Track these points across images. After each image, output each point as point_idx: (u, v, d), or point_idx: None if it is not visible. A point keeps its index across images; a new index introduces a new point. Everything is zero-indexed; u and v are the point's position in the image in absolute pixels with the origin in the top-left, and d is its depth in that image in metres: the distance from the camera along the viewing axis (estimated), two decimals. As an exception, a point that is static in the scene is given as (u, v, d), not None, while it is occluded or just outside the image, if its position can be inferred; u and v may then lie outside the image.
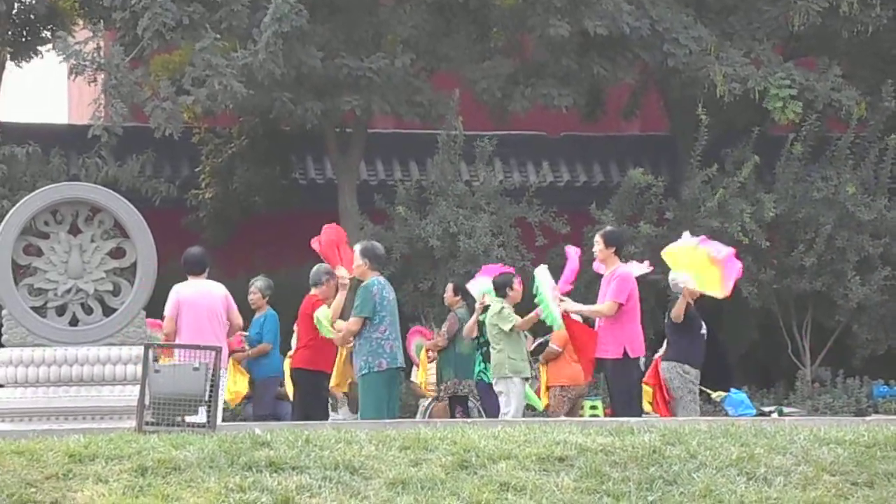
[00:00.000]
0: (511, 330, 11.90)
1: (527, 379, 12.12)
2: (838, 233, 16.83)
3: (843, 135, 17.22)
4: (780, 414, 12.91)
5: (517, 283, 12.29)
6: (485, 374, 12.44)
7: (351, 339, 10.62)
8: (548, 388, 12.72)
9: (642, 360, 11.44)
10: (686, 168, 17.12)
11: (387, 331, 10.48)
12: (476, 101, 16.63)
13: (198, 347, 9.37)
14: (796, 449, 8.49)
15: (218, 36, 14.87)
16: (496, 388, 12.05)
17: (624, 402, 10.71)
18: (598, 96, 18.10)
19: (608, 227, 11.40)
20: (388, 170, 19.22)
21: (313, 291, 11.79)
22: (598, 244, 10.98)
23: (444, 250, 16.04)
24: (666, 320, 11.80)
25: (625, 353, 10.67)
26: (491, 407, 12.28)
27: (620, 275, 10.79)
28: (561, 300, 11.08)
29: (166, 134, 15.20)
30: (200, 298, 11.41)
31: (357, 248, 10.80)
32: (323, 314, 11.14)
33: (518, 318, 12.06)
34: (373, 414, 10.18)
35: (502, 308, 12.06)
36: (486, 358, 12.33)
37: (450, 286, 13.49)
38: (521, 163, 19.57)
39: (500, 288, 12.26)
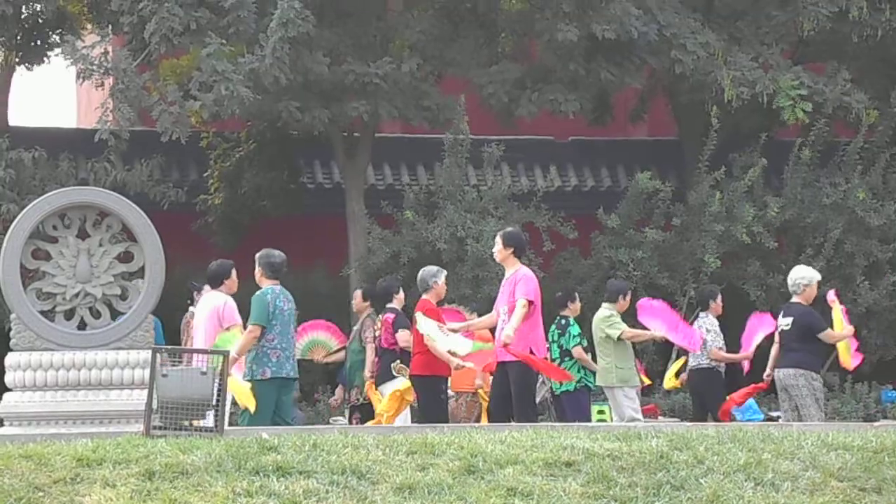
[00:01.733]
0: (618, 339, 11.90)
1: (635, 387, 12.13)
2: (847, 238, 16.81)
3: (851, 140, 17.20)
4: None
5: (629, 295, 12.33)
6: (587, 380, 12.37)
7: (249, 349, 10.55)
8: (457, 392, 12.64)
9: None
10: (694, 173, 17.11)
11: (275, 340, 10.52)
12: (483, 105, 16.64)
13: (206, 352, 9.38)
14: (804, 454, 8.48)
15: (224, 41, 14.89)
16: (609, 396, 12.03)
17: (523, 404, 10.62)
18: (606, 101, 18.10)
19: (508, 228, 11.25)
20: (396, 174, 19.24)
21: (424, 296, 11.71)
22: (498, 244, 10.90)
23: (452, 254, 16.04)
24: (790, 328, 11.76)
25: (531, 353, 10.58)
26: (582, 415, 12.16)
27: (525, 276, 10.69)
28: (451, 330, 10.97)
29: (173, 138, 15.23)
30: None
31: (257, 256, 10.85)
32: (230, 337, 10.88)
33: (625, 326, 12.03)
34: (256, 421, 10.09)
35: (611, 315, 12.03)
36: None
37: (358, 292, 13.42)
38: (528, 167, 19.57)
39: (613, 294, 12.24)
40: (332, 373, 15.63)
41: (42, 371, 10.86)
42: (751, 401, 13.02)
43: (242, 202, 18.10)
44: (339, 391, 14.27)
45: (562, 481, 7.95)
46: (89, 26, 17.13)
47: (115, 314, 11.03)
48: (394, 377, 12.16)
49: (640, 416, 11.99)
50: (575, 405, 12.42)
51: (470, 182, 17.52)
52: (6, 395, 11.02)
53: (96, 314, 11.07)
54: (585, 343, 12.70)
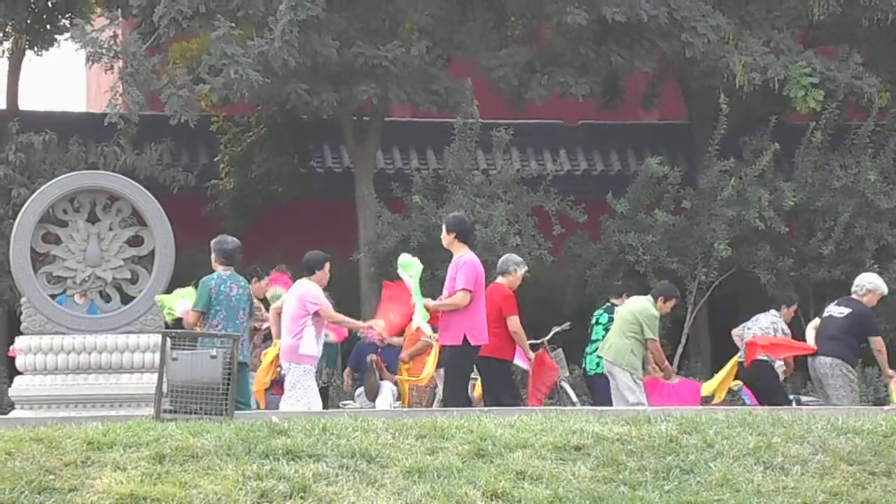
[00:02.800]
0: (647, 341, 11.98)
1: (641, 378, 12.15)
2: (857, 221, 16.76)
3: (863, 123, 17.14)
4: (798, 403, 12.87)
5: (675, 301, 12.43)
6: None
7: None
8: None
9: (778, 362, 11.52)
10: (704, 157, 17.07)
11: (219, 325, 10.55)
12: (493, 89, 16.60)
13: (215, 335, 9.40)
14: (814, 438, 8.48)
15: (233, 25, 14.87)
16: (609, 372, 12.07)
17: (455, 388, 10.60)
18: (616, 85, 18.05)
19: (453, 213, 11.21)
20: (405, 158, 19.21)
21: (499, 280, 11.72)
22: (443, 230, 10.91)
23: (461, 239, 16.02)
24: (843, 318, 11.86)
25: (465, 341, 10.56)
26: (605, 397, 12.20)
27: (466, 262, 10.67)
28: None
29: (182, 121, 15.22)
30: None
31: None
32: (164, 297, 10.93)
33: (656, 338, 12.13)
34: None
35: (656, 317, 12.10)
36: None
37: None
38: (538, 151, 19.54)
39: (663, 293, 12.32)
40: (343, 357, 15.65)
41: (52, 354, 10.89)
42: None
43: (253, 186, 18.10)
44: (346, 374, 14.31)
45: (571, 465, 7.96)
46: (99, 10, 17.12)
47: (125, 298, 11.05)
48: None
49: (643, 397, 11.99)
50: (606, 388, 12.43)
51: (479, 166, 17.48)
52: (17, 379, 11.05)
53: (106, 298, 11.09)
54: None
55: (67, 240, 11.05)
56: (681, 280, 16.51)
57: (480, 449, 8.10)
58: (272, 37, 14.86)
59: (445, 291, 10.85)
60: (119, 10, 16.31)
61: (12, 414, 10.84)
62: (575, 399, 13.86)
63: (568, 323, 14.28)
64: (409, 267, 11.08)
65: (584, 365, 13.45)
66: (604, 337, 12.66)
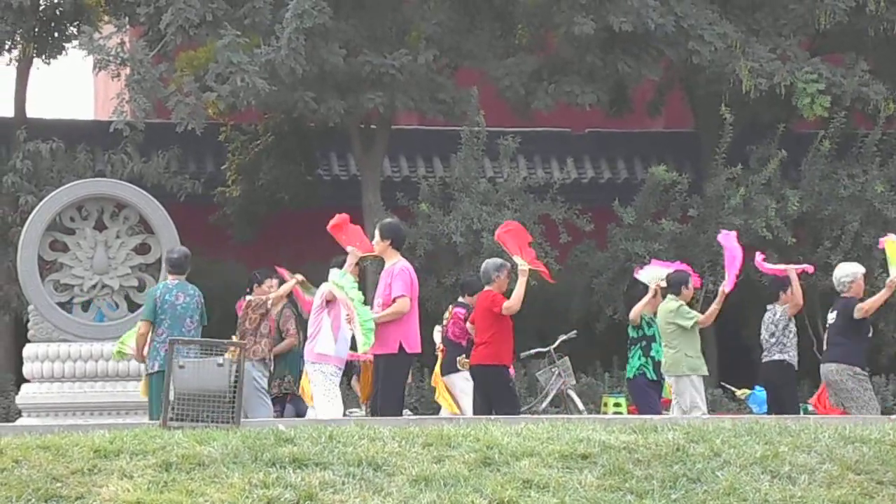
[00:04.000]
0: (692, 327, 11.89)
1: (704, 376, 12.09)
2: (865, 230, 16.74)
3: (870, 132, 17.12)
4: (805, 412, 12.84)
5: (692, 282, 12.27)
6: (646, 368, 12.37)
7: (142, 343, 10.49)
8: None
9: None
10: (711, 165, 17.06)
11: (164, 334, 10.39)
12: (499, 97, 16.61)
13: (223, 343, 9.40)
14: (821, 447, 8.46)
15: (239, 33, 14.90)
16: (673, 386, 11.97)
17: (389, 398, 10.50)
18: (623, 93, 18.05)
19: (386, 219, 11.02)
20: (412, 166, 19.23)
21: (487, 287, 11.64)
22: (376, 237, 10.79)
23: (468, 247, 16.04)
24: (834, 321, 11.73)
25: (400, 348, 10.45)
26: (646, 404, 12.09)
27: (402, 269, 10.55)
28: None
29: (189, 128, 15.25)
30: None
31: None
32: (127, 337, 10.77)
33: (699, 314, 12.03)
34: (153, 413, 10.11)
35: (680, 306, 12.03)
36: (645, 353, 12.31)
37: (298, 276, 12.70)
38: (545, 159, 19.54)
39: (675, 285, 12.21)
40: (349, 365, 15.62)
41: (59, 362, 10.92)
42: (764, 394, 12.99)
43: (260, 194, 18.13)
44: (354, 382, 14.31)
45: (577, 473, 7.94)
46: (106, 18, 17.17)
47: (132, 306, 11.07)
48: (458, 370, 12.22)
49: (703, 405, 11.96)
50: (639, 392, 12.41)
51: (486, 174, 17.49)
52: (24, 387, 11.07)
53: (113, 305, 11.11)
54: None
55: (75, 247, 11.09)
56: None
57: (487, 457, 8.09)
58: (279, 45, 14.89)
59: (380, 300, 10.67)
60: (126, 17, 16.35)
61: (19, 421, 10.86)
62: (581, 407, 13.85)
63: (574, 331, 14.29)
64: (343, 285, 10.83)
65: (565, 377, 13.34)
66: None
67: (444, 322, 12.65)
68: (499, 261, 11.78)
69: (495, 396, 11.36)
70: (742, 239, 16.52)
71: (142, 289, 11.15)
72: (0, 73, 17.72)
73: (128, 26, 16.46)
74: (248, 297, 11.79)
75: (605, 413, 13.36)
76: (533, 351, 14.49)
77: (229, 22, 14.99)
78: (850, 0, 16.24)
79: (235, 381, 8.94)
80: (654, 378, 12.18)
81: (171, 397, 8.86)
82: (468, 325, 12.03)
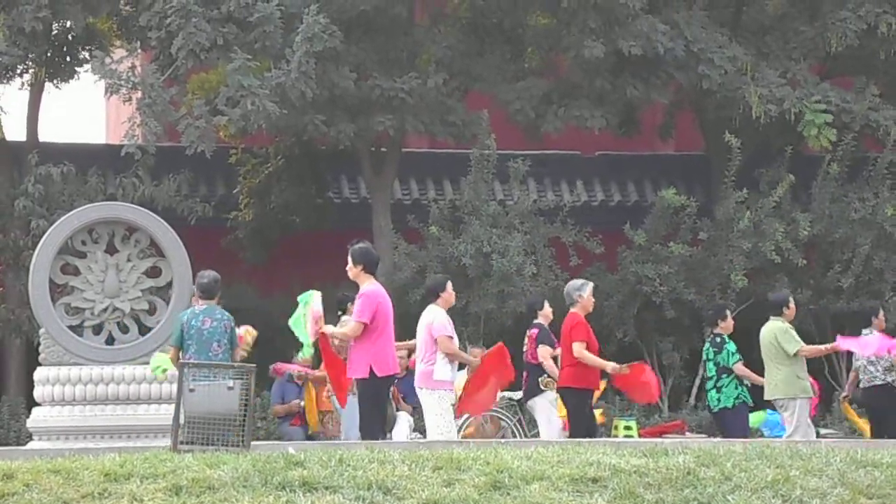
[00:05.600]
0: (795, 354, 11.92)
1: (809, 398, 12.09)
2: (876, 253, 16.71)
3: (880, 155, 17.11)
4: (817, 436, 12.79)
5: (792, 303, 12.34)
6: (745, 396, 12.36)
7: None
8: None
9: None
10: (720, 188, 17.06)
11: (191, 359, 10.33)
12: (509, 120, 16.64)
13: (232, 367, 9.41)
14: (832, 471, 8.43)
15: (249, 57, 14.96)
16: (780, 408, 11.99)
17: (366, 421, 10.51)
18: (633, 116, 18.07)
19: (358, 244, 10.95)
20: (422, 189, 19.26)
21: (572, 309, 11.77)
22: (349, 261, 10.75)
23: (478, 269, 16.04)
24: None
25: (371, 373, 10.42)
26: (741, 431, 12.12)
27: (366, 293, 10.51)
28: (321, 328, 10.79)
29: (198, 151, 15.30)
30: None
31: None
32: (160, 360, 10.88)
33: (801, 341, 12.07)
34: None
35: (787, 329, 12.04)
36: (741, 381, 12.32)
37: None
38: (555, 182, 19.55)
39: (778, 306, 12.24)
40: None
41: (70, 386, 10.93)
42: (777, 417, 12.94)
43: (272, 217, 18.17)
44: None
45: (588, 497, 7.92)
46: (118, 42, 17.26)
47: (143, 329, 11.09)
48: (542, 391, 12.28)
49: (811, 428, 11.96)
50: (734, 421, 12.39)
51: (496, 197, 17.50)
52: (35, 410, 11.09)
53: (124, 329, 11.14)
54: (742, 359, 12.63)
55: (86, 271, 11.12)
56: (697, 311, 16.46)
57: (497, 481, 8.07)
58: (289, 68, 14.95)
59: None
60: (138, 42, 16.43)
61: (30, 445, 10.87)
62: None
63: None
64: (307, 302, 10.84)
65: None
66: (716, 373, 12.52)
67: (524, 347, 12.63)
68: (579, 281, 11.91)
69: (572, 420, 11.44)
70: (752, 262, 16.57)
71: (152, 312, 11.17)
72: (12, 98, 17.81)
73: (139, 51, 16.54)
74: (343, 318, 12.00)
75: (615, 436, 13.31)
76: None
77: (240, 46, 15.06)
78: (861, 23, 16.26)
79: (245, 404, 8.95)
80: (751, 403, 12.31)
81: (182, 421, 8.87)
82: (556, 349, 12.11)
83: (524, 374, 12.49)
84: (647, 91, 16.40)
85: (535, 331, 12.43)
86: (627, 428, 14.16)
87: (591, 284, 11.92)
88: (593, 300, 11.90)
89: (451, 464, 8.27)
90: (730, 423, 12.42)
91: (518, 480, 8.07)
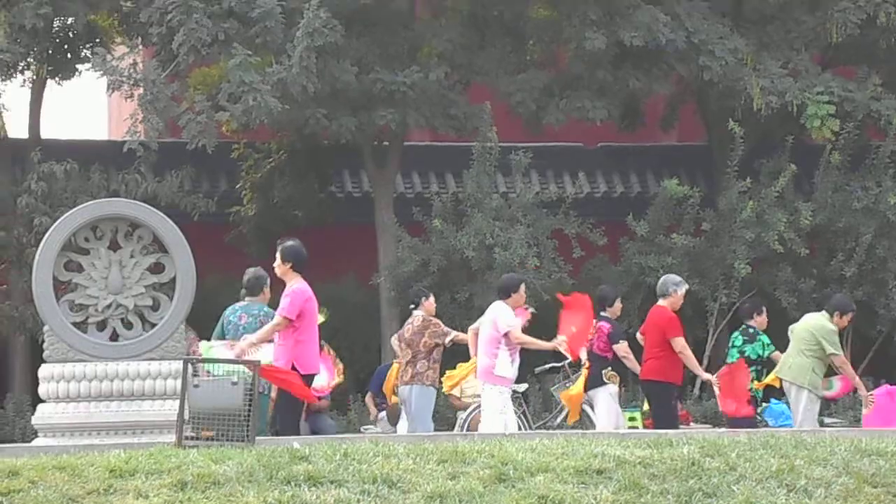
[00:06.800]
0: (828, 355, 11.94)
1: (820, 396, 12.12)
2: (879, 242, 16.70)
3: (882, 144, 17.10)
4: (821, 425, 12.80)
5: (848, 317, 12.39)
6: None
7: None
8: None
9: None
10: (723, 178, 17.05)
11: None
12: (511, 112, 16.64)
13: (237, 362, 9.43)
14: (837, 460, 8.44)
15: (250, 53, 14.96)
16: (788, 392, 12.02)
17: (285, 417, 10.58)
18: (635, 107, 18.06)
19: (288, 242, 10.92)
20: (425, 182, 19.26)
21: (660, 303, 11.89)
22: (277, 259, 10.73)
23: (481, 262, 16.05)
24: None
25: (293, 369, 10.39)
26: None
27: (293, 291, 10.46)
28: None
29: (199, 146, 15.30)
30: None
31: None
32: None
33: (841, 352, 12.09)
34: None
35: (834, 330, 12.08)
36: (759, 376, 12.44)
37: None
38: (557, 174, 19.55)
39: (832, 308, 12.28)
40: (364, 382, 15.66)
41: (75, 382, 10.93)
42: (783, 406, 12.95)
43: (274, 212, 18.17)
44: (368, 399, 14.31)
45: (593, 489, 7.94)
46: (119, 39, 17.26)
47: (146, 325, 11.10)
48: (604, 383, 12.46)
49: (816, 424, 12.00)
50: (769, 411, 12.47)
51: (498, 189, 17.50)
52: (40, 407, 11.10)
53: (128, 325, 11.14)
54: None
55: (89, 267, 11.12)
56: (701, 302, 16.46)
57: (502, 473, 8.08)
58: (290, 63, 14.95)
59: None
60: (139, 38, 16.43)
61: (35, 442, 10.88)
62: (596, 422, 13.83)
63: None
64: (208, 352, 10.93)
65: None
66: (737, 359, 12.59)
67: (589, 337, 12.74)
68: (676, 277, 12.07)
69: (655, 413, 11.49)
70: (755, 252, 16.57)
71: (156, 308, 11.17)
72: (14, 95, 17.81)
73: (140, 47, 16.55)
74: (415, 313, 12.40)
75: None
76: (547, 366, 14.47)
77: (241, 41, 15.06)
78: (861, 13, 16.23)
79: (250, 399, 8.96)
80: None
81: (186, 416, 8.88)
82: (638, 335, 12.24)
83: (588, 364, 12.59)
84: (649, 82, 16.40)
85: (606, 325, 12.55)
86: (632, 419, 14.17)
87: (686, 285, 12.08)
88: (682, 299, 11.99)
89: (456, 457, 8.29)
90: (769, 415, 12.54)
91: (523, 473, 8.08)
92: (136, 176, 16.20)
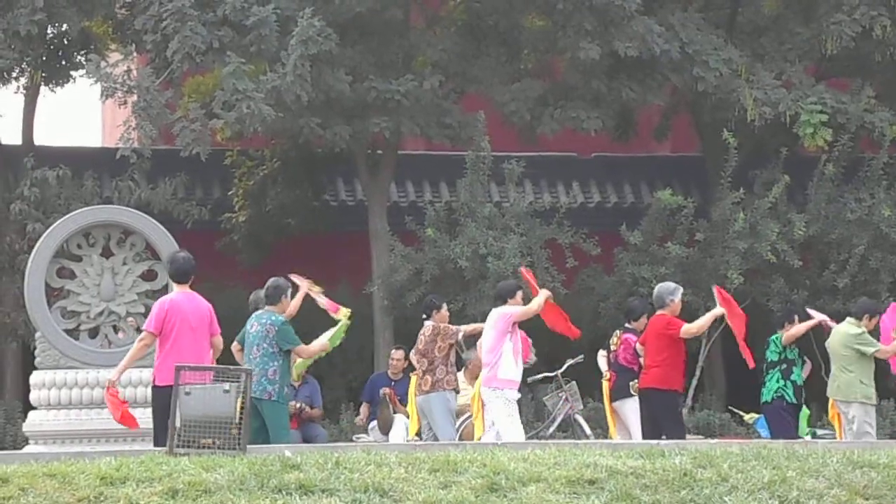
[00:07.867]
0: (871, 354, 11.94)
1: (874, 405, 12.10)
2: (872, 254, 16.72)
3: (876, 156, 17.13)
4: (814, 436, 12.79)
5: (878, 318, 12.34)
6: (785, 391, 12.38)
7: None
8: None
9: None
10: (717, 189, 17.07)
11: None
12: (505, 122, 16.65)
13: (229, 369, 9.40)
14: (829, 472, 8.43)
15: (244, 60, 14.96)
16: (844, 411, 11.99)
17: (158, 428, 10.22)
18: (629, 117, 18.09)
19: (177, 253, 10.51)
20: (418, 191, 19.26)
21: (660, 311, 11.85)
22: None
23: (474, 271, 16.04)
24: None
25: (153, 380, 10.23)
26: (782, 428, 12.13)
27: (160, 301, 10.24)
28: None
29: (193, 153, 15.29)
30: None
31: None
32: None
33: (880, 344, 12.07)
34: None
35: (861, 332, 12.07)
36: (785, 376, 12.35)
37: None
38: (551, 183, 19.56)
39: (860, 311, 12.28)
40: (356, 390, 15.64)
41: (66, 389, 10.92)
42: (762, 418, 12.97)
43: (267, 220, 18.16)
44: (363, 409, 14.29)
45: (584, 499, 7.92)
46: (113, 46, 17.25)
47: (138, 332, 11.07)
48: (631, 395, 12.36)
49: (874, 431, 11.95)
50: (772, 416, 12.43)
51: (492, 199, 17.51)
52: (31, 414, 11.08)
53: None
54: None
55: (82, 274, 11.11)
56: (694, 312, 16.46)
57: (494, 483, 8.07)
58: (284, 71, 14.95)
59: None
60: (133, 45, 16.43)
61: (26, 449, 10.86)
62: (589, 432, 13.82)
63: (581, 356, 14.25)
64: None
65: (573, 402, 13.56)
66: (765, 367, 12.56)
67: (613, 348, 12.73)
68: (672, 285, 12.02)
69: (664, 422, 11.40)
70: (748, 262, 16.57)
71: (148, 315, 11.15)
72: (8, 101, 17.82)
73: (134, 54, 16.55)
74: (427, 323, 12.25)
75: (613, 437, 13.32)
76: (540, 376, 14.47)
77: (235, 49, 15.06)
78: (856, 25, 16.27)
79: (242, 408, 8.94)
80: (793, 402, 12.24)
81: (178, 424, 8.85)
82: (637, 346, 12.18)
83: (612, 375, 12.57)
84: (643, 93, 16.42)
85: (631, 336, 12.46)
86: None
87: (681, 289, 12.01)
88: (680, 306, 11.94)
89: (448, 466, 8.27)
90: (770, 418, 12.51)
91: (515, 482, 8.07)
92: (129, 183, 16.19)
